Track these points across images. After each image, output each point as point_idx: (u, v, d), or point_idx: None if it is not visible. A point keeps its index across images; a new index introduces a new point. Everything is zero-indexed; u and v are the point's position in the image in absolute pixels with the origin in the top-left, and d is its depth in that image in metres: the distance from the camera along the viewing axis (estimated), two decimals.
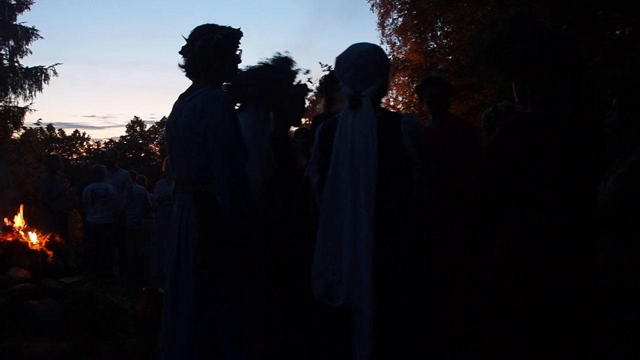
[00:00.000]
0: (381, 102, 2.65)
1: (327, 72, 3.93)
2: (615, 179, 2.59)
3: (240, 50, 2.71)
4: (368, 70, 2.52)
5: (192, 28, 2.65)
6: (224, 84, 2.91)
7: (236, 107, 3.15)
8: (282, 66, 3.29)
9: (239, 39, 2.70)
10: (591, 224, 2.40)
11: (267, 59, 3.28)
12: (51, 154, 12.89)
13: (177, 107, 2.65)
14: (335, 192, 2.45)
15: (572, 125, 2.34)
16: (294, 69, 3.33)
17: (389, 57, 16.14)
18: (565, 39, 2.66)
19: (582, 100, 2.44)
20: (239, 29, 2.70)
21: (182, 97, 2.65)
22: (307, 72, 3.42)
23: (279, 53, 3.32)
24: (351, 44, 2.59)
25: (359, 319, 2.35)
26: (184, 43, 2.66)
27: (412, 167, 2.46)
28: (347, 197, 2.40)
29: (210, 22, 2.67)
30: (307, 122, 6.52)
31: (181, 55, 2.68)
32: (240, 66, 2.83)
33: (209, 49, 2.57)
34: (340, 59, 2.61)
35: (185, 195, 2.63)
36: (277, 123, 3.45)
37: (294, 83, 3.38)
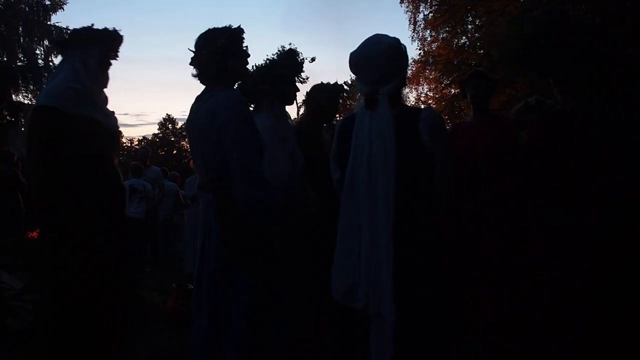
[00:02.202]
0: (400, 97, 2.55)
1: None
2: None
3: (246, 46, 2.73)
4: (386, 70, 2.40)
5: (195, 38, 2.69)
6: (237, 83, 2.96)
7: (251, 108, 3.24)
8: (287, 60, 3.31)
9: (242, 36, 2.72)
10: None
11: (273, 54, 3.32)
12: None
13: (193, 109, 2.69)
14: (353, 194, 2.39)
15: (610, 122, 2.23)
16: (299, 59, 3.34)
17: (420, 50, 16.12)
18: (592, 26, 2.51)
19: (620, 91, 2.32)
20: (239, 26, 2.72)
21: (198, 99, 2.69)
22: (313, 60, 3.44)
23: (283, 47, 3.35)
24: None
25: (379, 323, 2.29)
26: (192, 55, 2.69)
27: (433, 164, 2.38)
28: (364, 200, 2.34)
29: (211, 27, 2.71)
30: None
31: (192, 67, 2.71)
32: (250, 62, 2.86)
33: (216, 54, 2.60)
34: (355, 57, 2.48)
35: (207, 194, 2.67)
36: (307, 117, 3.56)
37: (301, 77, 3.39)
